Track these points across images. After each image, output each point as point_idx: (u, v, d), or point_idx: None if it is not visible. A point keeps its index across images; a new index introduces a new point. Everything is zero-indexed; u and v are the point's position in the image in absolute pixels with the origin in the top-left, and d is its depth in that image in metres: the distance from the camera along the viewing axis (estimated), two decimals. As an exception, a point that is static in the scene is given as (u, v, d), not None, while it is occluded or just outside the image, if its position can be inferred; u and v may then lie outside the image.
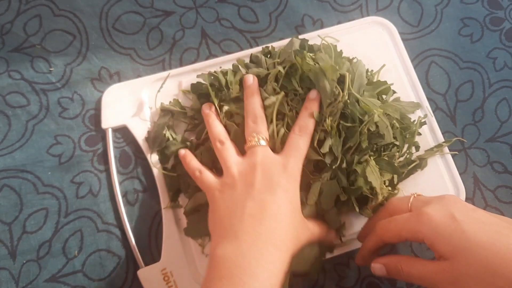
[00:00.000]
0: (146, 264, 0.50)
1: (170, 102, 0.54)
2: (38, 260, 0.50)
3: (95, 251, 0.51)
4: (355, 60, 0.51)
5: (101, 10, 0.60)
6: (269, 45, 0.56)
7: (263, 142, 0.46)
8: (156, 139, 0.52)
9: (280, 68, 0.49)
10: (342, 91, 0.47)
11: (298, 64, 0.49)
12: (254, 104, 0.49)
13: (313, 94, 0.48)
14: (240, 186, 0.43)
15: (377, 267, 0.43)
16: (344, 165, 0.47)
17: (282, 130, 0.48)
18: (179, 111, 0.54)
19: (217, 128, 0.49)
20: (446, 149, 0.54)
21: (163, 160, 0.52)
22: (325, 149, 0.47)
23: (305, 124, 0.47)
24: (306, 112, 0.48)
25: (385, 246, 0.45)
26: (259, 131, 0.47)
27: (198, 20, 0.60)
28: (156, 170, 0.52)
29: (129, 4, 0.60)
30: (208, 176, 0.47)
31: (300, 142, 0.46)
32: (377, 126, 0.47)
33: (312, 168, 0.49)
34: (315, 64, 0.48)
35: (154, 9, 0.60)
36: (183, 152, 0.51)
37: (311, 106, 0.48)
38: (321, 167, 0.49)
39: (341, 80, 0.49)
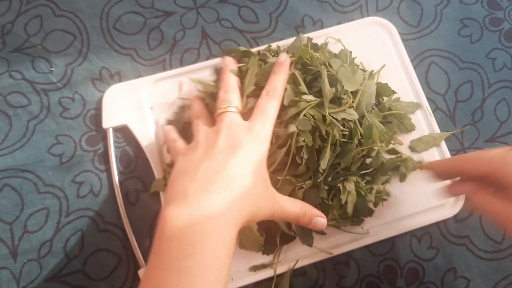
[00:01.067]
0: (147, 264, 0.50)
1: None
2: (39, 259, 0.51)
3: (96, 251, 0.51)
4: (356, 60, 0.51)
5: (102, 11, 0.60)
6: (274, 44, 0.56)
7: (232, 109, 0.45)
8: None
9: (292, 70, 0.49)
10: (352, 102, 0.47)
11: (307, 61, 0.49)
12: (229, 79, 0.48)
13: (282, 57, 0.48)
14: (201, 148, 0.42)
15: (452, 190, 0.44)
16: (329, 178, 0.47)
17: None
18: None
19: (196, 106, 0.49)
20: (446, 150, 0.54)
21: None
22: (324, 164, 0.47)
23: (273, 88, 0.46)
24: (275, 76, 0.47)
25: (455, 176, 0.44)
26: (229, 99, 0.46)
27: (198, 20, 0.60)
28: (157, 170, 0.52)
29: (129, 5, 0.60)
30: (179, 143, 0.46)
31: (267, 106, 0.45)
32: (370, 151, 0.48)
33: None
34: (323, 63, 0.49)
35: (155, 10, 0.60)
36: (167, 127, 0.50)
37: (280, 70, 0.47)
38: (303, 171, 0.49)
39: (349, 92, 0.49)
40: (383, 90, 0.52)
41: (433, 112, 0.56)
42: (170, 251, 0.36)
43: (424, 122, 0.55)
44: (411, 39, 0.60)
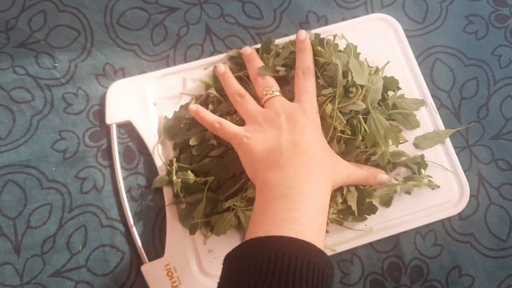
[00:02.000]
0: (150, 260, 0.50)
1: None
2: (42, 255, 0.51)
3: (99, 247, 0.51)
4: (361, 56, 0.51)
5: (106, 6, 0.60)
6: (278, 40, 0.56)
7: (277, 93, 0.49)
8: (172, 129, 0.53)
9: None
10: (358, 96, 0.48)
11: (317, 53, 0.51)
12: (259, 65, 0.52)
13: (302, 34, 0.51)
14: (268, 129, 0.46)
15: None
16: None
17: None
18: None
19: (234, 84, 0.52)
20: (451, 147, 0.54)
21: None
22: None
23: (307, 66, 0.50)
24: (302, 54, 0.50)
25: None
26: (270, 84, 0.50)
27: (202, 16, 0.60)
28: (160, 166, 0.52)
29: (133, 0, 0.60)
30: (230, 125, 0.49)
31: (308, 84, 0.49)
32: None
33: None
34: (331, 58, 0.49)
35: (159, 5, 0.60)
36: (194, 107, 0.51)
37: (305, 47, 0.50)
38: None
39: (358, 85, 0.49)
40: (389, 84, 0.52)
41: (438, 109, 0.56)
42: (276, 207, 0.40)
43: (429, 119, 0.55)
44: (416, 36, 0.60)
